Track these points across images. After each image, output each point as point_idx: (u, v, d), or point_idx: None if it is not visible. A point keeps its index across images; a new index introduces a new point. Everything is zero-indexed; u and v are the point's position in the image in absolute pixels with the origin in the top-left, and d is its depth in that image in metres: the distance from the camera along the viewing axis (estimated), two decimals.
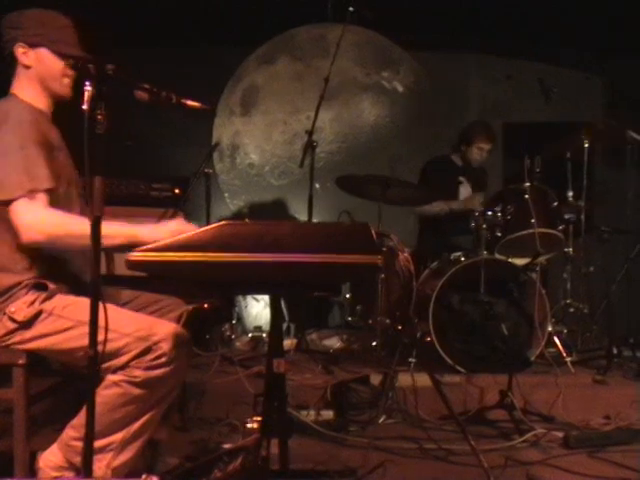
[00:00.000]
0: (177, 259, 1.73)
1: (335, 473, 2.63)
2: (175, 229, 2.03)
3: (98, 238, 1.77)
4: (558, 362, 3.68)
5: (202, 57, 5.83)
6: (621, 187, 4.24)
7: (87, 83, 1.85)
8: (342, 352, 4.18)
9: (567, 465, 2.74)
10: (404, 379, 3.42)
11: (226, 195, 6.14)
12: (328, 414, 3.25)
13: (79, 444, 2.04)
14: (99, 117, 1.84)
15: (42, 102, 2.31)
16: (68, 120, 2.28)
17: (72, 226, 2.09)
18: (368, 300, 4.10)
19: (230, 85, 6.12)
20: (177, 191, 3.82)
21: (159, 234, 1.96)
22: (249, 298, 5.17)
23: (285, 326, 4.93)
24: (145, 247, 1.76)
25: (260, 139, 6.19)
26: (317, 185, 6.01)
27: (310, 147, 4.08)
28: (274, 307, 2.05)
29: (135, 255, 1.77)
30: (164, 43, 5.71)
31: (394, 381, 3.35)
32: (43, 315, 2.13)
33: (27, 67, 2.27)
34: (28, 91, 2.29)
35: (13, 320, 2.13)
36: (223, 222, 1.75)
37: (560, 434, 3.04)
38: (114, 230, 2.05)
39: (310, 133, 4.11)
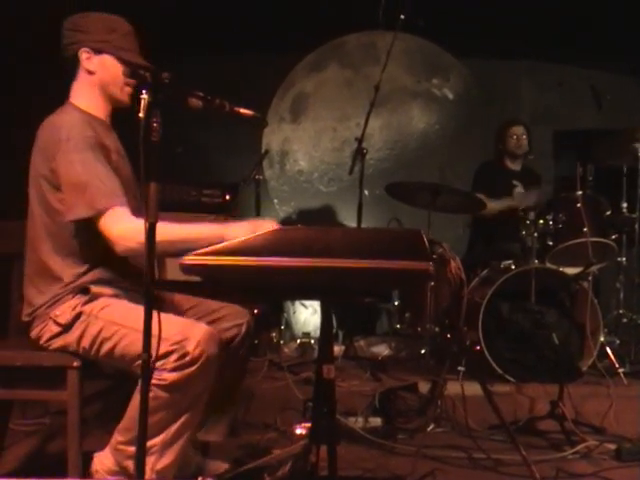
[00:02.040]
0: (231, 263, 1.75)
1: None
2: (256, 225, 2.03)
3: (153, 243, 1.81)
4: (610, 373, 3.63)
5: (251, 64, 5.89)
6: None
7: (143, 91, 1.89)
8: (390, 359, 4.18)
9: (619, 478, 2.70)
10: (453, 388, 3.40)
11: (275, 201, 6.19)
12: (376, 421, 3.25)
13: (126, 448, 2.09)
14: (154, 125, 1.87)
15: (101, 109, 2.33)
16: (124, 127, 2.34)
17: (165, 232, 2.03)
18: (417, 308, 4.09)
19: (280, 92, 6.17)
20: (227, 197, 3.86)
21: (243, 231, 1.95)
22: (297, 304, 5.20)
23: (333, 332, 4.94)
24: (199, 251, 1.79)
25: (309, 146, 6.23)
26: (366, 192, 6.03)
27: (360, 154, 4.09)
28: (324, 313, 2.06)
29: (189, 259, 1.80)
30: (212, 50, 5.79)
31: (443, 389, 3.34)
32: (82, 317, 2.18)
33: (90, 72, 2.28)
34: (87, 98, 2.31)
35: (57, 324, 2.19)
36: (276, 227, 1.77)
37: (612, 446, 2.99)
38: (199, 232, 2.07)
39: (360, 140, 4.12)
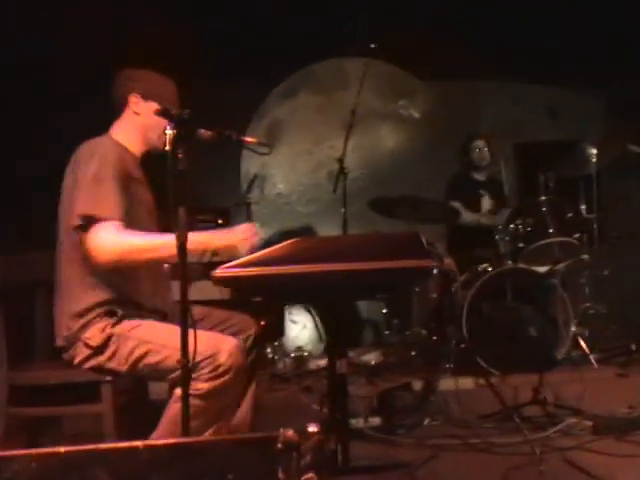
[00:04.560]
0: (259, 273, 2.05)
1: (391, 467, 2.92)
2: (244, 231, 2.35)
3: (185, 262, 2.09)
4: (582, 360, 3.98)
5: (223, 93, 6.15)
6: (627, 196, 4.57)
7: (167, 127, 2.19)
8: (382, 364, 4.46)
9: (598, 448, 3.01)
10: (443, 383, 3.72)
11: (257, 224, 6.46)
12: (376, 420, 3.50)
13: None
14: (179, 156, 2.17)
15: (136, 147, 2.58)
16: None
17: (134, 241, 2.30)
18: (404, 314, 4.40)
19: (255, 120, 6.49)
20: (220, 221, 4.13)
21: (232, 238, 2.25)
22: (287, 321, 5.46)
23: (323, 346, 5.22)
24: (228, 264, 2.08)
25: (286, 169, 6.55)
26: (342, 210, 6.36)
27: (342, 174, 4.41)
28: (334, 313, 2.35)
29: (220, 272, 2.08)
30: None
31: (435, 386, 3.64)
32: (113, 338, 2.37)
33: (136, 114, 2.55)
34: (126, 134, 2.56)
35: (88, 346, 2.38)
36: (296, 239, 2.07)
37: (589, 423, 3.32)
38: (163, 242, 2.29)
39: (341, 161, 4.44)
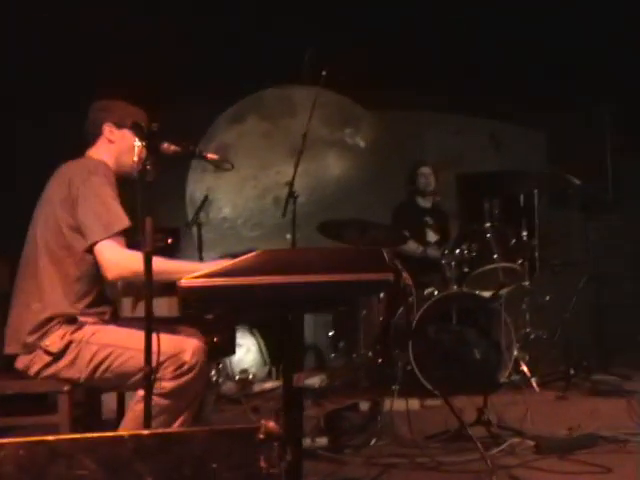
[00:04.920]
0: (224, 283, 2.06)
1: None
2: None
3: (150, 271, 2.11)
4: (524, 383, 4.09)
5: (172, 117, 6.18)
6: (566, 225, 4.77)
7: (136, 139, 2.23)
8: (327, 387, 4.49)
9: (542, 466, 3.10)
10: (390, 404, 3.76)
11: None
12: (323, 440, 3.53)
13: None
14: (148, 167, 2.20)
15: (112, 165, 2.62)
16: None
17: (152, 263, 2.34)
18: (350, 337, 4.45)
19: (202, 144, 6.50)
20: (169, 241, 4.13)
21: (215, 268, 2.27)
22: None
23: (267, 369, 5.22)
24: (194, 274, 2.09)
25: (232, 194, 6.57)
26: (288, 236, 6.41)
27: (291, 197, 4.46)
28: (293, 325, 2.37)
29: (186, 281, 2.09)
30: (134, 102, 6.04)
31: (381, 407, 3.68)
32: (73, 345, 2.39)
33: (111, 142, 2.63)
34: (102, 156, 2.62)
35: (48, 353, 2.38)
36: (262, 250, 2.10)
37: (532, 443, 3.41)
38: (178, 266, 2.39)
39: (291, 184, 4.49)
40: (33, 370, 2.41)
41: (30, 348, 2.41)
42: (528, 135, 6.12)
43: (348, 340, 4.51)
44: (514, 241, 4.37)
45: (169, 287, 2.34)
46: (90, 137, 2.66)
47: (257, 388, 4.66)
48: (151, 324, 2.08)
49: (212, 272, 2.09)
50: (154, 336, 2.09)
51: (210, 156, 2.59)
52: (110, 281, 2.41)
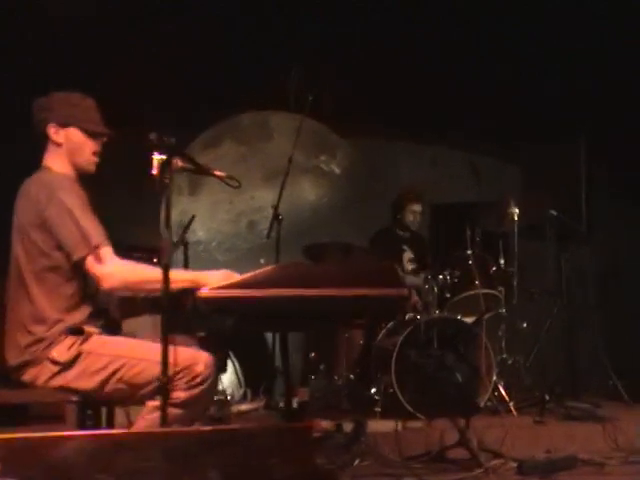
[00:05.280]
0: (244, 295, 2.10)
1: None
2: (225, 275, 2.37)
3: (168, 281, 2.15)
4: (502, 407, 4.19)
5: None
6: (543, 255, 4.91)
7: (155, 153, 2.27)
8: (309, 406, 4.49)
9: None
10: (372, 425, 3.82)
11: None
12: None
13: None
14: (166, 181, 2.25)
15: (70, 172, 2.58)
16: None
17: (144, 272, 2.41)
18: (330, 359, 4.49)
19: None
20: (155, 260, 4.12)
21: (215, 278, 2.30)
22: None
23: (242, 391, 5.21)
24: (216, 286, 2.13)
25: (206, 217, 6.57)
26: (262, 260, 6.46)
27: (276, 220, 4.52)
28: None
29: (206, 292, 2.13)
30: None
31: (365, 428, 3.72)
32: (83, 355, 2.40)
33: (58, 145, 2.53)
34: (58, 164, 2.55)
35: (56, 363, 2.38)
36: (279, 264, 2.15)
37: (514, 464, 3.49)
38: (181, 275, 2.39)
39: (276, 208, 4.55)
40: (41, 381, 2.40)
41: (35, 360, 2.40)
42: (503, 167, 6.28)
43: (328, 362, 4.55)
44: (495, 268, 4.50)
45: (155, 304, 2.39)
46: (39, 140, 2.58)
47: (234, 409, 4.64)
48: (167, 335, 2.12)
49: (232, 284, 2.13)
50: (170, 347, 2.12)
51: (218, 174, 2.66)
52: (106, 291, 2.41)
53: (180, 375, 2.32)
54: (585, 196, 5.16)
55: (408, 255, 5.04)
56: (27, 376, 2.42)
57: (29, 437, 1.53)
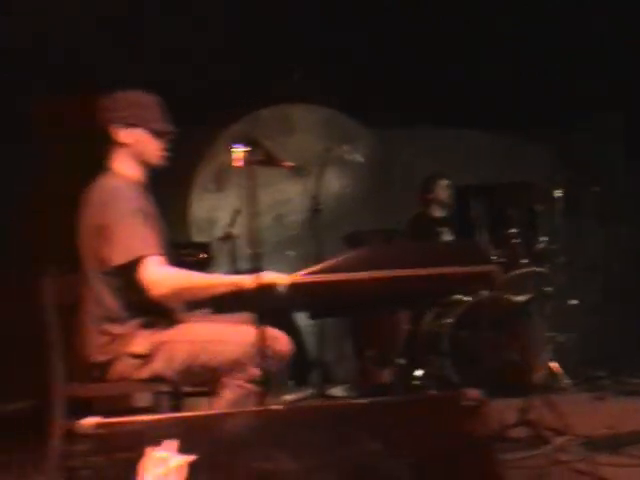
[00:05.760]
0: (336, 279, 2.08)
1: None
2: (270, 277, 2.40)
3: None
4: (558, 385, 4.18)
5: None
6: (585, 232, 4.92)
7: (237, 145, 2.26)
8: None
9: (600, 460, 3.16)
10: None
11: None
12: None
13: None
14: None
15: (137, 174, 2.59)
16: None
17: (191, 280, 2.42)
18: (375, 345, 4.49)
19: (202, 164, 6.51)
20: (202, 255, 4.12)
21: (258, 280, 2.33)
22: None
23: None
24: (306, 271, 2.12)
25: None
26: (290, 253, 6.46)
27: (316, 211, 4.51)
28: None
29: (297, 278, 2.12)
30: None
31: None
32: (162, 345, 2.41)
33: (124, 145, 2.53)
34: (125, 165, 2.56)
35: (137, 357, 2.41)
36: (363, 248, 2.14)
37: (579, 440, 3.48)
38: (226, 280, 2.43)
39: (316, 198, 4.54)
40: (125, 375, 2.42)
41: (116, 357, 2.43)
42: (531, 147, 6.25)
43: (374, 349, 4.53)
44: (539, 246, 4.48)
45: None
46: (105, 141, 2.57)
47: (282, 399, 4.64)
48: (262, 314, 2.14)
49: (321, 269, 2.11)
50: (249, 328, 2.22)
51: (288, 164, 2.67)
52: (156, 298, 2.40)
53: (258, 352, 2.28)
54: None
55: (446, 238, 5.01)
56: (111, 373, 2.44)
57: (204, 414, 1.68)
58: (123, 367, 2.42)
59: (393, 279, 2.09)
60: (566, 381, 4.22)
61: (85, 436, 1.38)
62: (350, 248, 4.54)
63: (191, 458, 1.41)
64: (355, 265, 2.10)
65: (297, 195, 6.74)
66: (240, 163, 2.25)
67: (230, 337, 2.38)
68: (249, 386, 2.33)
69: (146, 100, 2.58)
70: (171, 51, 5.55)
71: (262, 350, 2.26)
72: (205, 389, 2.53)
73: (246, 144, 2.29)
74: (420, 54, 5.78)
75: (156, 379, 2.41)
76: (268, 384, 2.20)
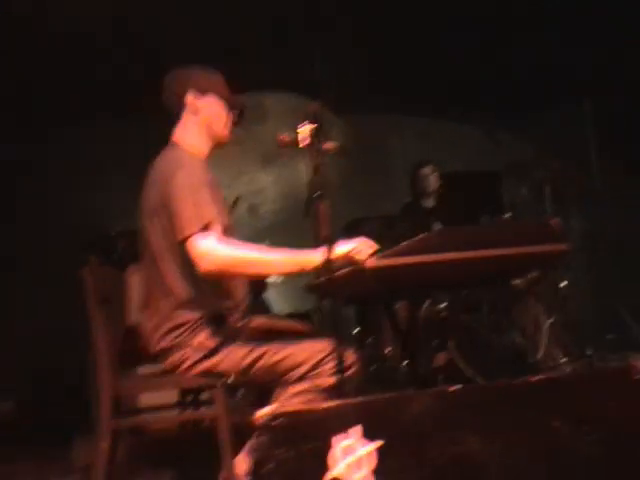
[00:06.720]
0: (411, 262, 2.07)
1: None
2: (354, 247, 2.35)
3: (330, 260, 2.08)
4: (556, 365, 4.29)
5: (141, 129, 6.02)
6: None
7: (305, 123, 2.21)
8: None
9: None
10: None
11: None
12: None
13: None
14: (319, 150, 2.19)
15: (203, 147, 2.57)
16: None
17: (242, 254, 2.32)
18: (376, 332, 4.48)
19: None
20: None
21: (318, 255, 2.27)
22: None
23: None
24: (379, 255, 2.09)
25: None
26: (267, 242, 6.39)
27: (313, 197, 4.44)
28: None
29: (372, 262, 2.09)
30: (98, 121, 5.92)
31: None
32: (226, 342, 2.38)
33: (196, 113, 2.50)
34: (191, 137, 2.52)
35: (201, 349, 2.35)
36: (439, 229, 2.13)
37: None
38: (283, 257, 2.35)
39: (311, 185, 4.47)
40: (185, 366, 2.36)
41: (179, 346, 2.37)
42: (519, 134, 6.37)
43: (375, 335, 4.54)
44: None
45: None
46: (174, 112, 2.55)
47: None
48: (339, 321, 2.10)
49: (397, 251, 2.09)
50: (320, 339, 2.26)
51: (329, 146, 2.63)
52: (203, 274, 2.31)
53: (325, 360, 2.30)
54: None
55: (437, 227, 5.04)
56: (169, 362, 2.38)
57: (384, 398, 1.60)
58: (182, 357, 2.36)
59: (473, 259, 2.09)
60: (564, 359, 4.31)
61: (265, 428, 1.32)
62: (350, 236, 4.51)
63: (378, 444, 1.38)
64: (429, 247, 2.09)
65: (270, 185, 6.70)
66: (307, 142, 2.18)
67: (297, 342, 2.35)
68: (314, 395, 2.28)
69: (217, 74, 2.60)
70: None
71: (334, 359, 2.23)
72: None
73: (316, 120, 2.21)
74: (402, 38, 5.76)
75: (211, 374, 2.36)
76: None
